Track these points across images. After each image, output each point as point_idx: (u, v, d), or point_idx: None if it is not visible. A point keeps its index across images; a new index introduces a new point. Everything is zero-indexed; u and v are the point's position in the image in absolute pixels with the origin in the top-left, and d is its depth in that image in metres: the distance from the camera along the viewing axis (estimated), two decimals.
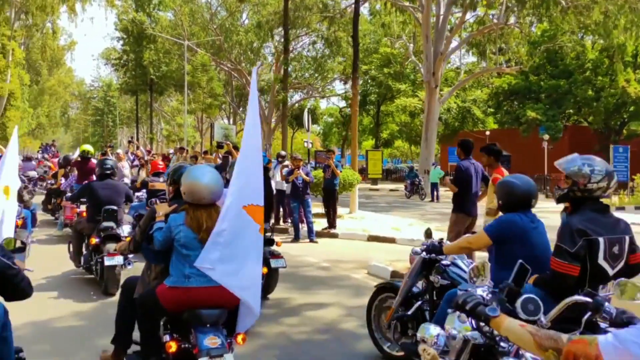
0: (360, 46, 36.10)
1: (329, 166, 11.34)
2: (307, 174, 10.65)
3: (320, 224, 11.30)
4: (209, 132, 45.91)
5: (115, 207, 6.54)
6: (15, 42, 37.94)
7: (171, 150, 19.39)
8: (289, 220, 11.69)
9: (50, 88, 59.71)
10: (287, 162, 11.93)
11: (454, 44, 25.64)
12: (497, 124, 39.46)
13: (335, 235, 11.09)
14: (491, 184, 5.95)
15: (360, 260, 8.50)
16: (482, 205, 6.50)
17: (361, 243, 10.14)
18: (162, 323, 3.38)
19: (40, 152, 28.75)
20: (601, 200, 3.13)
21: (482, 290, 2.47)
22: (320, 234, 10.80)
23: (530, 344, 1.73)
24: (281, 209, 12.19)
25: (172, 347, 3.09)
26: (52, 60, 57.43)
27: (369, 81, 41.79)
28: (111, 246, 5.90)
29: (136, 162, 14.79)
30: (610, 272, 3.01)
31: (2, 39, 33.99)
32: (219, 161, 12.36)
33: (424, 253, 3.90)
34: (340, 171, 11.62)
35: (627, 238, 3.08)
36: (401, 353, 4.16)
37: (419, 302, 3.94)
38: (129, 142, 17.61)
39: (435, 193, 22.52)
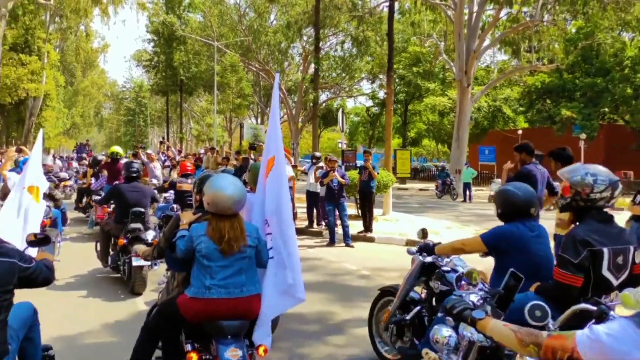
0: (388, 45, 36.19)
1: (366, 167, 11.18)
2: (342, 176, 10.50)
3: (354, 226, 11.14)
4: (238, 132, 46.28)
5: (142, 210, 6.69)
6: (51, 45, 38.79)
7: (202, 150, 19.52)
8: (323, 223, 11.59)
9: (84, 89, 60.97)
10: (321, 164, 11.84)
11: (486, 42, 25.19)
12: (528, 123, 38.70)
13: (371, 239, 10.84)
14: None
15: (401, 268, 7.99)
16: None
17: (399, 248, 9.87)
18: (183, 333, 3.36)
19: (75, 151, 29.81)
20: (606, 210, 3.11)
21: (474, 296, 2.50)
22: (355, 238, 10.55)
23: (512, 341, 1.82)
24: (314, 211, 12.06)
25: (193, 358, 3.07)
26: (86, 62, 58.61)
27: (397, 80, 41.52)
28: (139, 247, 5.63)
29: (167, 163, 14.92)
30: (615, 282, 2.99)
31: (38, 42, 34.75)
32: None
33: (419, 254, 3.92)
34: (377, 173, 11.47)
35: (631, 248, 3.04)
36: (397, 357, 4.12)
37: (418, 308, 3.88)
38: (161, 142, 17.64)
39: (467, 193, 22.17)
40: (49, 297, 5.94)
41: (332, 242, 10.23)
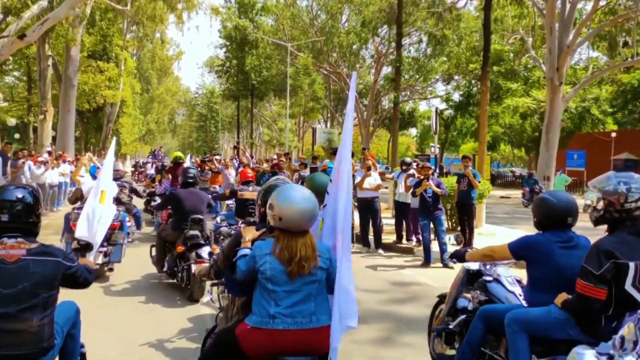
0: (466, 44, 34.36)
1: (465, 175, 9.83)
2: (438, 185, 9.23)
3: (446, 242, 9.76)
4: (307, 136, 45.47)
5: (201, 217, 6.60)
6: (128, 53, 39.71)
7: (274, 156, 18.66)
8: (414, 238, 10.33)
9: (159, 96, 62.61)
10: (412, 171, 10.59)
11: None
12: (617, 125, 35.61)
13: None
14: None
15: None
16: None
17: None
18: None
19: (149, 157, 30.37)
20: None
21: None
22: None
23: None
24: (404, 224, 10.82)
25: None
26: (161, 69, 60.16)
27: (473, 81, 39.48)
28: (205, 249, 6.15)
29: (241, 169, 14.09)
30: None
31: (115, 49, 35.52)
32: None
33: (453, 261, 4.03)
34: (479, 182, 10.04)
35: None
36: None
37: (464, 316, 3.80)
38: (235, 147, 16.64)
39: None
40: (109, 301, 6.16)
41: (427, 262, 8.94)
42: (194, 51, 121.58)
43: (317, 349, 2.80)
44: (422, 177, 9.25)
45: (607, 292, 2.83)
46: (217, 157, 14.10)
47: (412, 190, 9.40)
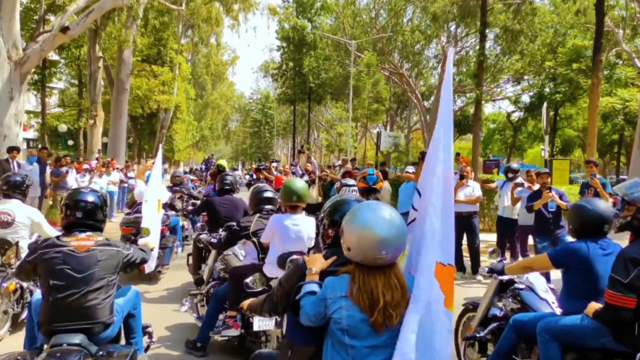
0: (541, 40, 31.64)
1: (590, 186, 7.74)
2: (561, 197, 7.20)
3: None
4: (365, 141, 43.46)
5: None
6: (183, 57, 39.10)
7: (338, 162, 16.76)
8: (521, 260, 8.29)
9: (213, 102, 62.26)
10: (519, 180, 8.55)
11: None
12: None
13: None
14: None
15: None
16: None
17: None
18: None
19: (203, 164, 30.08)
20: None
21: None
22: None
23: None
24: (506, 245, 8.84)
25: None
26: (216, 75, 59.87)
27: (546, 82, 36.58)
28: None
29: (306, 178, 12.15)
30: None
31: (170, 53, 34.83)
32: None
33: (494, 275, 3.90)
34: (609, 193, 7.88)
35: None
36: None
37: (495, 324, 3.77)
38: (299, 151, 14.51)
39: None
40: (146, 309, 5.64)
41: None
42: (248, 55, 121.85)
43: None
44: (540, 186, 7.28)
45: (636, 300, 2.81)
46: (275, 163, 12.40)
47: (524, 204, 7.46)
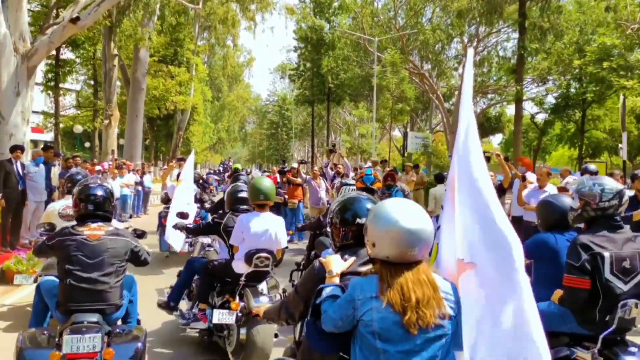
0: (568, 39, 30.44)
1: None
2: None
3: None
4: (390, 142, 42.23)
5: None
6: (199, 58, 38.52)
7: (368, 164, 15.75)
8: None
9: (229, 103, 61.73)
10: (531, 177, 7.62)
11: None
12: None
13: None
14: None
15: None
16: None
17: None
18: None
19: (220, 166, 29.34)
20: (616, 217, 3.19)
21: None
22: None
23: None
24: None
25: None
26: (232, 76, 59.33)
27: (572, 82, 35.25)
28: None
29: (337, 181, 11.19)
30: (623, 287, 3.06)
31: (187, 53, 34.26)
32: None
33: None
34: None
35: None
36: None
37: None
38: (330, 151, 12.82)
39: None
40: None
41: None
42: (265, 56, 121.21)
43: None
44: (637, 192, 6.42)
45: (590, 281, 3.07)
46: (304, 162, 11.58)
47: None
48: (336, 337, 2.09)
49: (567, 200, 3.61)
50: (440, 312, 1.98)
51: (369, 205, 2.38)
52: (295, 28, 35.85)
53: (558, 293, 3.25)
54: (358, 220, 2.37)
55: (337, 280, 2.18)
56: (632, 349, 3.12)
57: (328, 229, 2.55)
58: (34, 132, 37.60)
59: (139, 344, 3.35)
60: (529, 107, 48.94)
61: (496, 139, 63.63)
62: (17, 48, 9.19)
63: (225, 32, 41.12)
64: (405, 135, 20.05)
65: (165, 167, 20.48)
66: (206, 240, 5.90)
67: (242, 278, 4.46)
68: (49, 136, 47.44)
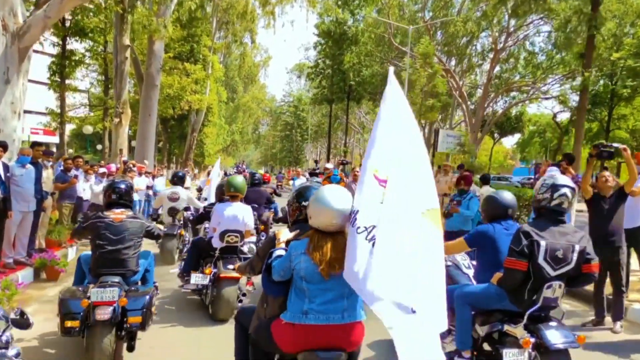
0: (606, 30, 28.37)
1: None
2: None
3: None
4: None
5: (256, 205, 7.62)
6: (216, 57, 36.93)
7: (328, 164, 14.18)
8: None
9: (244, 104, 60.22)
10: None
11: None
12: None
13: None
14: None
15: None
16: None
17: None
18: None
19: (235, 169, 29.69)
20: (561, 213, 3.66)
21: None
22: None
23: None
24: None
25: None
26: (247, 77, 57.81)
27: (602, 78, 33.18)
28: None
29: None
30: (552, 272, 3.54)
31: (204, 50, 32.66)
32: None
33: None
34: None
35: (576, 247, 3.57)
36: None
37: None
38: (341, 163, 11.21)
39: None
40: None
41: None
42: (281, 56, 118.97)
43: (346, 344, 2.94)
44: None
45: (527, 264, 3.54)
46: (345, 162, 9.95)
47: None
48: (281, 285, 3.02)
49: (507, 196, 4.22)
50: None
51: (314, 191, 3.16)
52: (317, 22, 34.26)
53: (497, 276, 3.76)
54: (305, 202, 3.23)
55: (283, 245, 3.09)
56: (552, 324, 3.58)
57: (287, 208, 3.50)
58: (45, 135, 36.37)
59: (147, 297, 4.36)
60: (549, 106, 46.75)
61: (508, 140, 61.26)
62: (5, 25, 7.47)
63: (243, 28, 39.59)
64: (436, 133, 18.00)
65: (187, 169, 22.69)
66: (207, 224, 6.85)
67: (217, 252, 5.96)
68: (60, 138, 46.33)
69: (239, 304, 5.61)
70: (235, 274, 5.45)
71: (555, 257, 3.51)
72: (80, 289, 4.43)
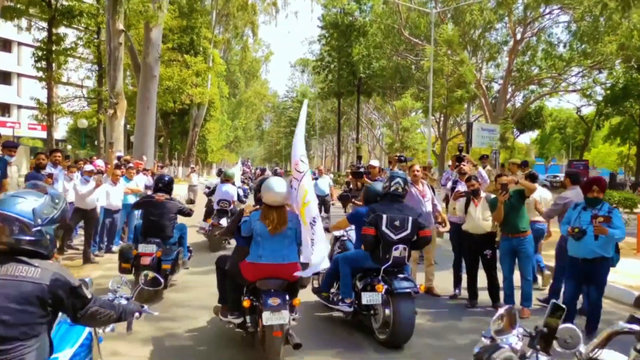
0: (637, 17, 26.77)
1: None
2: None
3: None
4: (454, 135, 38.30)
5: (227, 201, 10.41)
6: (217, 52, 35.46)
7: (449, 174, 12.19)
8: None
9: (247, 100, 58.84)
10: None
11: None
12: None
13: None
14: None
15: None
16: None
17: None
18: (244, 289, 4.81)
19: (241, 165, 26.73)
20: (398, 194, 5.28)
21: (513, 338, 2.35)
22: None
23: None
24: None
25: (247, 304, 4.52)
26: (249, 72, 56.38)
27: (632, 70, 31.16)
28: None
29: (460, 187, 7.36)
30: (394, 237, 5.02)
31: (204, 42, 31.21)
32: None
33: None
34: None
35: (410, 218, 5.10)
36: None
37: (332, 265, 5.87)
38: (400, 160, 8.76)
39: None
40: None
41: None
42: (283, 51, 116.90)
43: (287, 276, 4.48)
44: None
45: (374, 230, 5.02)
46: (404, 159, 8.33)
47: None
48: (246, 240, 4.63)
49: (377, 186, 5.68)
50: (286, 227, 4.51)
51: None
52: (323, 13, 32.75)
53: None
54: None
55: (248, 215, 4.72)
56: (400, 276, 5.04)
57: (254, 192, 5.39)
58: (43, 130, 34.91)
59: (175, 253, 6.58)
60: (573, 101, 44.82)
61: (524, 136, 59.42)
62: None
63: (244, 24, 38.14)
64: (469, 127, 16.27)
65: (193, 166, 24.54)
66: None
67: (215, 211, 10.22)
68: (59, 134, 44.74)
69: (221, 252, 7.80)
70: None
71: (394, 225, 4.99)
72: (131, 246, 6.57)
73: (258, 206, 4.73)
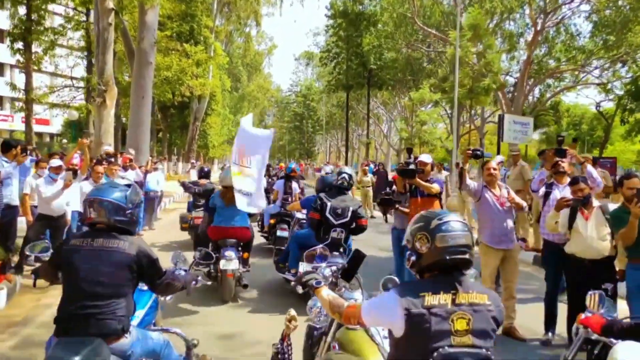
0: None
1: None
2: None
3: None
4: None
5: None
6: (218, 44, 33.68)
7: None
8: None
9: (249, 94, 57.16)
10: None
11: None
12: None
13: None
14: None
15: None
16: None
17: None
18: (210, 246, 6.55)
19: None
20: (343, 188, 6.35)
21: (328, 271, 3.15)
22: None
23: (327, 307, 2.39)
24: None
25: (213, 256, 5.51)
26: (252, 65, 54.68)
27: None
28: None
29: (562, 190, 5.55)
30: (335, 222, 6.06)
31: (205, 31, 29.41)
32: None
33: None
34: None
35: (350, 208, 6.15)
36: None
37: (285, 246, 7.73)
38: (476, 156, 6.68)
39: None
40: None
41: None
42: (287, 45, 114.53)
43: (239, 236, 6.42)
44: None
45: (319, 215, 6.11)
46: (480, 154, 6.30)
47: None
48: (212, 210, 6.64)
49: (329, 178, 6.81)
50: (233, 200, 6.37)
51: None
52: (331, 1, 30.93)
53: (313, 224, 6.34)
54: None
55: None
56: (336, 254, 5.67)
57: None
58: (38, 124, 33.09)
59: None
60: (592, 94, 42.86)
61: (535, 135, 57.47)
62: None
63: (246, 15, 36.48)
64: (500, 119, 14.47)
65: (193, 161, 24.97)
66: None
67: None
68: (55, 128, 42.90)
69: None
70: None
71: (336, 212, 6.10)
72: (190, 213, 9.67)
73: (221, 188, 6.76)
